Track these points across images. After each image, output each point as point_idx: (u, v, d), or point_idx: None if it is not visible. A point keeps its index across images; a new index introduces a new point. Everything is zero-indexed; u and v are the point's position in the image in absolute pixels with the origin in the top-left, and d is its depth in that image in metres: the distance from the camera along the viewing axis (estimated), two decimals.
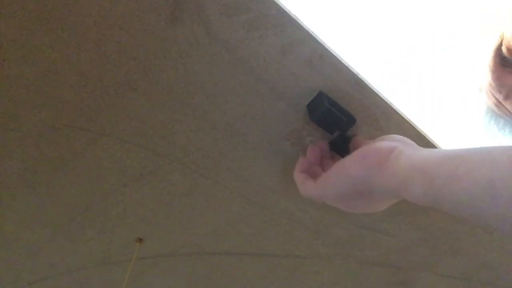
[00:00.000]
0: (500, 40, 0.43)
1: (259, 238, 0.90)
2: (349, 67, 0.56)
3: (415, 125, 0.62)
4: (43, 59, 0.57)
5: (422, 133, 0.62)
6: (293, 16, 0.52)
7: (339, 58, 0.55)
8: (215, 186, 0.77)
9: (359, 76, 0.57)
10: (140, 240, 0.93)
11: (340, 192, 0.47)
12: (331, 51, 0.55)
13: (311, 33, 0.53)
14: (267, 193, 0.77)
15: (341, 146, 0.62)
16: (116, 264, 1.01)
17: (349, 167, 0.46)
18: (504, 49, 0.43)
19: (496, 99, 0.48)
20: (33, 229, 0.90)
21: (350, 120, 0.60)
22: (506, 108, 0.48)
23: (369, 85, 0.58)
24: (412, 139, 0.63)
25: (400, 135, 0.62)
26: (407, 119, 0.61)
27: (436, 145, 0.63)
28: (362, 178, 0.45)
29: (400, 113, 0.60)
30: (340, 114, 0.56)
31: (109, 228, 0.90)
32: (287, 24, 0.52)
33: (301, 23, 0.53)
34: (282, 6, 0.51)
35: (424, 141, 0.63)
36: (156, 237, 0.93)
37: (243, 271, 1.02)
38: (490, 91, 0.47)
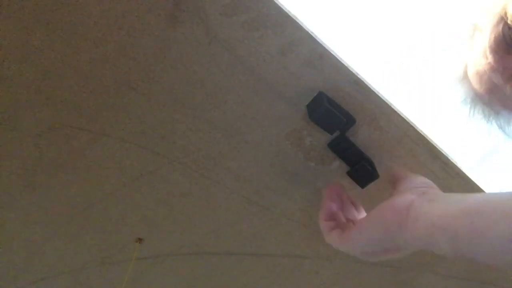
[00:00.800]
0: (502, 18, 0.41)
1: (259, 238, 0.90)
2: (349, 67, 0.56)
3: (415, 125, 0.62)
4: (43, 59, 0.57)
5: (422, 133, 0.62)
6: (293, 16, 0.52)
7: (339, 58, 0.55)
8: (215, 186, 0.77)
9: (359, 76, 0.57)
10: (140, 240, 0.93)
11: (365, 251, 0.48)
12: (331, 51, 0.55)
13: (311, 33, 0.53)
14: (267, 193, 0.77)
15: (340, 146, 0.62)
16: (116, 264, 1.01)
17: (369, 229, 0.46)
18: (507, 28, 0.41)
19: (493, 83, 0.45)
20: (33, 229, 0.90)
21: (349, 120, 0.60)
22: (502, 93, 0.46)
23: (369, 85, 0.58)
24: (412, 139, 0.63)
25: (400, 135, 0.62)
26: (407, 119, 0.61)
27: (435, 145, 0.63)
28: (384, 240, 0.46)
29: (400, 113, 0.60)
30: (340, 114, 0.56)
31: (109, 228, 0.90)
32: (287, 24, 0.52)
33: (301, 23, 0.53)
34: (282, 6, 0.51)
35: (424, 141, 0.63)
36: (156, 237, 0.93)
37: (243, 271, 1.02)
38: (488, 76, 0.44)
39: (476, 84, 0.48)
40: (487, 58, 0.43)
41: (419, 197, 0.43)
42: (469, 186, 0.69)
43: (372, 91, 0.58)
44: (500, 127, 0.54)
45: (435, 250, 0.40)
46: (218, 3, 0.50)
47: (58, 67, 0.58)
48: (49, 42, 0.55)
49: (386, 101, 0.59)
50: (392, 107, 0.60)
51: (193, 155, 0.71)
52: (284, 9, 0.51)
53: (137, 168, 0.74)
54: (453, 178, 0.68)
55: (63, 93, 0.62)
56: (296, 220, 0.84)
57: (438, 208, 0.39)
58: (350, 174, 0.65)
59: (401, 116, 0.61)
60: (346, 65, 0.55)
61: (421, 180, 0.49)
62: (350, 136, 0.63)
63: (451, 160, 0.65)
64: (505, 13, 0.39)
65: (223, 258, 0.98)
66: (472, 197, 0.37)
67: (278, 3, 0.51)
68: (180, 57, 0.57)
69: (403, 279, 0.98)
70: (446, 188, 0.70)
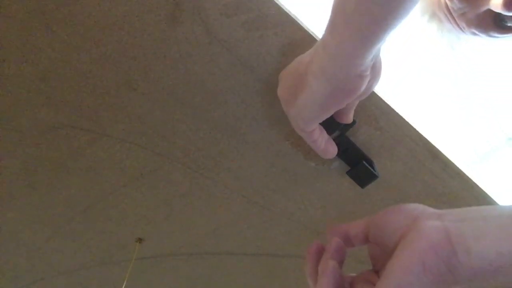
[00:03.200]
0: None
1: (259, 238, 0.90)
2: None
3: (415, 125, 0.62)
4: (43, 59, 0.57)
5: (422, 133, 0.62)
6: (293, 16, 0.52)
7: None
8: (215, 186, 0.77)
9: None
10: (140, 240, 0.93)
11: None
12: None
13: (311, 33, 0.54)
14: (267, 193, 0.77)
15: (341, 146, 0.62)
16: (116, 264, 1.01)
17: (410, 283, 0.32)
18: None
19: (447, 6, 0.51)
20: (33, 229, 0.90)
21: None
22: (455, 14, 0.52)
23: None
24: (412, 139, 0.63)
25: (400, 135, 0.62)
26: (407, 119, 0.61)
27: (435, 145, 0.63)
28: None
29: (400, 114, 0.60)
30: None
31: (109, 228, 0.90)
32: (287, 24, 0.52)
33: (301, 23, 0.53)
34: (282, 6, 0.51)
35: (424, 141, 0.63)
36: (156, 237, 0.93)
37: (243, 271, 1.02)
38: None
39: (434, 4, 0.52)
40: None
41: (443, 222, 0.33)
42: (469, 186, 0.69)
43: (372, 91, 0.58)
44: (450, 43, 0.57)
45: (499, 282, 0.30)
46: (218, 3, 0.50)
47: (58, 67, 0.58)
48: (49, 42, 0.55)
49: (386, 101, 0.59)
50: (392, 107, 0.60)
51: (193, 155, 0.71)
52: (284, 9, 0.51)
53: (137, 168, 0.74)
54: (453, 178, 0.68)
55: (63, 93, 0.62)
56: (296, 220, 0.84)
57: (490, 231, 0.30)
58: (350, 174, 0.65)
59: (401, 116, 0.61)
60: None
61: (408, 208, 0.39)
62: (350, 136, 0.63)
63: (451, 160, 0.65)
64: None
65: (223, 258, 0.98)
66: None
67: (278, 3, 0.51)
68: (180, 57, 0.57)
69: None
70: (446, 188, 0.70)
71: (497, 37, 0.55)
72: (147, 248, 0.96)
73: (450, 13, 0.55)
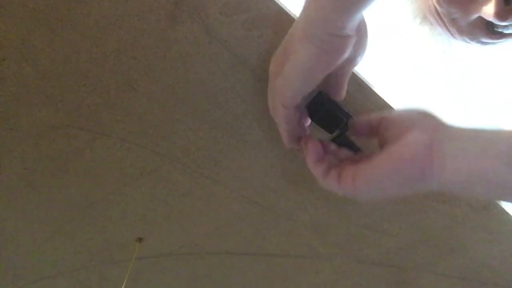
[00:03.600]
0: None
1: (259, 238, 0.90)
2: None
3: None
4: (43, 59, 0.57)
5: None
6: (293, 16, 0.52)
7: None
8: (215, 186, 0.77)
9: (359, 76, 0.57)
10: (140, 240, 0.93)
11: (373, 197, 0.41)
12: None
13: None
14: (267, 193, 0.77)
15: (341, 146, 0.62)
16: (116, 264, 1.01)
17: (382, 181, 0.39)
18: None
19: (438, 12, 0.52)
20: (33, 228, 0.90)
21: (350, 120, 0.60)
22: (446, 20, 0.53)
23: (369, 85, 0.58)
24: None
25: None
26: None
27: None
28: (401, 189, 0.38)
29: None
30: (340, 115, 0.56)
31: (109, 228, 0.90)
32: (287, 23, 0.52)
33: None
34: (282, 6, 0.51)
35: None
36: (156, 237, 0.93)
37: (243, 271, 1.02)
38: (434, 7, 0.51)
39: (425, 8, 0.53)
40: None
41: (433, 136, 0.37)
42: None
43: (372, 91, 0.58)
44: (441, 47, 0.58)
45: (466, 193, 0.35)
46: (218, 2, 0.50)
47: (59, 67, 0.58)
48: (49, 42, 0.55)
49: (386, 102, 0.59)
50: (392, 106, 0.60)
51: (193, 155, 0.71)
52: (284, 8, 0.51)
53: (137, 168, 0.74)
54: None
55: (63, 93, 0.62)
56: (296, 220, 0.84)
57: (469, 152, 0.33)
58: None
59: None
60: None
61: (417, 113, 0.42)
62: (350, 135, 0.63)
63: None
64: None
65: (223, 258, 0.98)
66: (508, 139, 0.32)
67: (278, 3, 0.51)
68: (180, 56, 0.57)
69: (403, 279, 0.98)
70: None
71: (488, 43, 0.55)
72: (147, 248, 0.96)
73: (441, 18, 0.55)
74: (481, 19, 0.52)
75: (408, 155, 0.36)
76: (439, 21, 0.55)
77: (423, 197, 0.73)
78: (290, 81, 0.44)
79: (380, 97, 0.59)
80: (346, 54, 0.41)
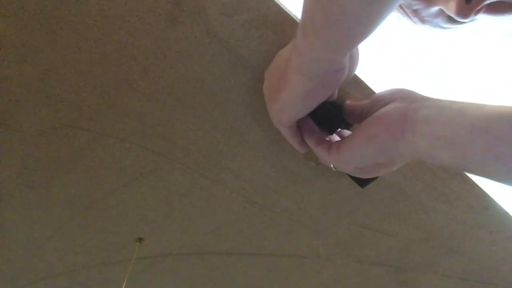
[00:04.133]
0: None
1: (259, 238, 0.90)
2: None
3: None
4: (43, 59, 0.57)
5: None
6: (293, 16, 0.52)
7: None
8: (215, 186, 0.77)
9: (359, 76, 0.57)
10: (140, 240, 0.93)
11: (358, 167, 0.45)
12: None
13: None
14: (267, 193, 0.77)
15: None
16: (116, 264, 1.01)
17: (361, 145, 0.41)
18: None
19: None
20: (33, 228, 0.90)
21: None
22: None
23: (369, 85, 0.58)
24: None
25: None
26: None
27: None
28: (377, 155, 0.41)
29: None
30: (340, 114, 0.56)
31: (109, 228, 0.90)
32: (287, 24, 0.52)
33: None
34: (282, 6, 0.51)
35: None
36: (156, 237, 0.93)
37: (243, 271, 1.02)
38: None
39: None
40: None
41: (409, 106, 0.39)
42: (469, 186, 0.69)
43: (373, 91, 0.58)
44: (409, 35, 0.60)
45: (433, 162, 0.36)
46: (218, 2, 0.50)
47: (58, 67, 0.58)
48: (49, 42, 0.55)
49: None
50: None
51: (193, 155, 0.71)
52: (284, 8, 0.51)
53: (137, 168, 0.74)
54: (453, 178, 0.68)
55: (63, 93, 0.62)
56: (296, 220, 0.84)
57: (439, 119, 0.35)
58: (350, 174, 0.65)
59: None
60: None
61: (399, 90, 0.44)
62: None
63: None
64: None
65: (223, 258, 0.98)
66: (480, 110, 0.33)
67: (278, 3, 0.51)
68: (180, 57, 0.57)
69: (403, 279, 0.98)
70: (446, 188, 0.70)
71: (449, 28, 0.55)
72: (147, 248, 0.96)
73: (403, 9, 0.55)
74: (442, 10, 0.52)
75: (384, 119, 0.39)
76: (402, 11, 0.56)
77: (423, 197, 0.73)
78: (286, 109, 0.46)
79: (373, 91, 0.59)
80: (340, 83, 0.43)
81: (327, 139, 0.53)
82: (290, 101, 0.44)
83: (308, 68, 0.39)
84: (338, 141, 0.47)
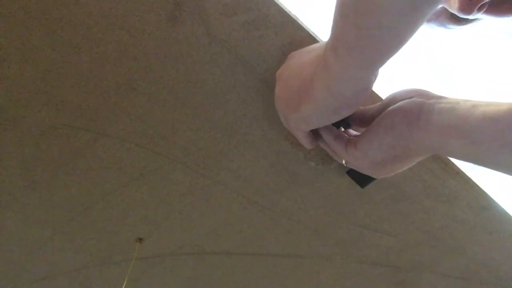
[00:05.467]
0: None
1: (259, 238, 0.90)
2: None
3: None
4: (43, 59, 0.57)
5: None
6: (293, 16, 0.52)
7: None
8: (215, 186, 0.77)
9: None
10: (140, 240, 0.93)
11: (375, 160, 0.46)
12: None
13: (311, 33, 0.54)
14: (267, 193, 0.77)
15: None
16: (116, 264, 1.01)
17: (379, 134, 0.43)
18: None
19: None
20: (33, 229, 0.90)
21: (350, 121, 0.60)
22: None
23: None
24: None
25: None
26: None
27: None
28: (394, 145, 0.43)
29: None
30: None
31: (109, 228, 0.90)
32: (288, 24, 0.52)
33: (301, 23, 0.53)
34: (282, 6, 0.51)
35: None
36: (156, 237, 0.93)
37: (243, 271, 1.02)
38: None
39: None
40: None
41: (427, 101, 0.41)
42: (469, 186, 0.69)
43: (372, 91, 0.58)
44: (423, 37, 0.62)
45: (445, 152, 0.38)
46: (218, 3, 0.50)
47: (58, 67, 0.58)
48: (49, 42, 0.55)
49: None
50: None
51: (193, 155, 0.71)
52: (284, 9, 0.51)
53: (137, 168, 0.74)
54: (453, 178, 0.68)
55: (63, 93, 0.62)
56: (296, 220, 0.84)
57: (452, 111, 0.37)
58: (350, 174, 0.65)
59: None
60: None
61: (414, 89, 0.46)
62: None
63: (451, 160, 0.65)
64: None
65: (223, 258, 0.98)
66: (491, 104, 0.34)
67: (278, 3, 0.51)
68: (181, 57, 0.57)
69: (403, 279, 0.98)
70: (446, 188, 0.70)
71: (453, 28, 0.55)
72: (147, 248, 0.96)
73: None
74: (445, 8, 0.52)
75: (402, 110, 0.41)
76: None
77: (424, 197, 0.73)
78: (308, 120, 0.46)
79: (380, 97, 0.59)
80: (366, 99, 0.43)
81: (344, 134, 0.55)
82: (314, 115, 0.44)
83: (337, 90, 0.39)
84: (354, 136, 0.48)
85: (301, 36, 0.53)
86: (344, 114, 0.43)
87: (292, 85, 0.47)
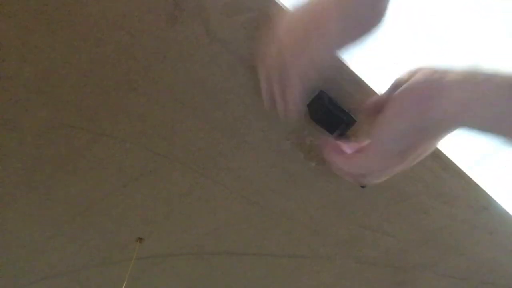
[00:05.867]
0: None
1: (259, 238, 0.90)
2: (350, 67, 0.56)
3: None
4: (43, 59, 0.57)
5: None
6: None
7: (340, 58, 0.55)
8: (215, 186, 0.77)
9: (359, 76, 0.57)
10: (140, 240, 0.93)
11: (391, 151, 0.42)
12: None
13: None
14: (267, 193, 0.77)
15: None
16: (116, 264, 1.01)
17: (392, 122, 0.41)
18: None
19: None
20: (33, 229, 0.90)
21: (350, 120, 0.60)
22: None
23: (369, 85, 0.58)
24: None
25: None
26: None
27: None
28: (409, 130, 0.40)
29: None
30: (340, 114, 0.56)
31: (109, 228, 0.90)
32: None
33: None
34: (282, 6, 0.51)
35: None
36: (156, 237, 0.93)
37: (243, 271, 1.02)
38: None
39: None
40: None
41: (433, 75, 0.41)
42: (469, 186, 0.69)
43: (373, 91, 0.58)
44: None
45: (462, 124, 0.36)
46: (218, 2, 0.50)
47: (58, 67, 0.58)
48: (49, 42, 0.55)
49: None
50: None
51: (193, 155, 0.71)
52: (284, 9, 0.51)
53: (137, 168, 0.74)
54: (453, 178, 0.68)
55: (63, 93, 0.62)
56: (296, 220, 0.84)
57: (464, 80, 0.36)
58: None
59: None
60: (347, 65, 0.55)
61: (418, 68, 0.46)
62: (350, 136, 0.63)
63: (451, 160, 0.65)
64: None
65: (223, 258, 0.98)
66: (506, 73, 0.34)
67: (278, 3, 0.51)
68: (180, 57, 0.56)
69: (403, 279, 0.98)
70: (446, 188, 0.70)
71: None
72: (147, 248, 0.96)
73: None
74: None
75: (409, 92, 0.39)
76: None
77: (424, 197, 0.73)
78: (318, 57, 0.43)
79: (374, 91, 0.58)
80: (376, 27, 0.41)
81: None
82: (325, 45, 0.41)
83: (352, 10, 0.38)
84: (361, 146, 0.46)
85: None
86: (356, 36, 0.41)
87: (297, 28, 0.44)
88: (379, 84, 0.58)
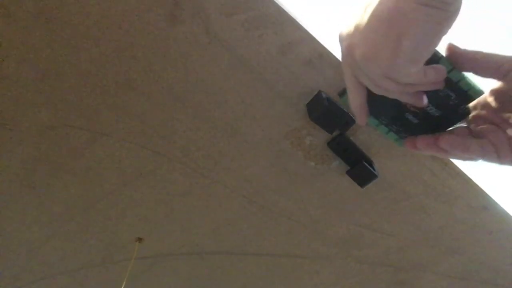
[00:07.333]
0: None
1: (259, 238, 0.90)
2: None
3: None
4: (43, 59, 0.57)
5: None
6: (292, 16, 0.52)
7: (339, 58, 0.55)
8: (215, 186, 0.77)
9: None
10: (140, 240, 0.93)
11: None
12: (331, 51, 0.55)
13: (310, 32, 0.53)
14: (267, 193, 0.77)
15: (340, 146, 0.62)
16: (116, 264, 1.01)
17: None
18: None
19: None
20: (33, 229, 0.90)
21: (349, 120, 0.60)
22: None
23: None
24: None
25: None
26: None
27: None
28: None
29: None
30: (340, 114, 0.56)
31: (109, 228, 0.90)
32: (287, 23, 0.52)
33: (300, 23, 0.53)
34: (282, 6, 0.51)
35: None
36: (156, 237, 0.93)
37: (243, 271, 1.02)
38: None
39: None
40: None
41: None
42: (469, 186, 0.69)
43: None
44: None
45: None
46: (218, 2, 0.50)
47: (58, 67, 0.58)
48: (49, 42, 0.55)
49: None
50: None
51: (193, 154, 0.71)
52: (284, 8, 0.51)
53: (137, 168, 0.74)
54: (453, 178, 0.68)
55: (63, 93, 0.62)
56: (296, 220, 0.83)
57: None
58: (350, 173, 0.65)
59: None
60: None
61: None
62: (350, 135, 0.63)
63: (451, 160, 0.65)
64: None
65: (223, 258, 0.98)
66: None
67: (278, 3, 0.51)
68: (180, 56, 0.57)
69: (403, 279, 0.98)
70: (446, 187, 0.70)
71: None
72: (147, 248, 0.96)
73: None
74: None
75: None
76: None
77: (424, 197, 0.73)
78: (414, 54, 0.37)
79: None
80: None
81: None
82: (418, 40, 0.36)
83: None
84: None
85: (300, 36, 0.53)
86: (446, 25, 0.37)
87: (375, 31, 0.38)
88: None
